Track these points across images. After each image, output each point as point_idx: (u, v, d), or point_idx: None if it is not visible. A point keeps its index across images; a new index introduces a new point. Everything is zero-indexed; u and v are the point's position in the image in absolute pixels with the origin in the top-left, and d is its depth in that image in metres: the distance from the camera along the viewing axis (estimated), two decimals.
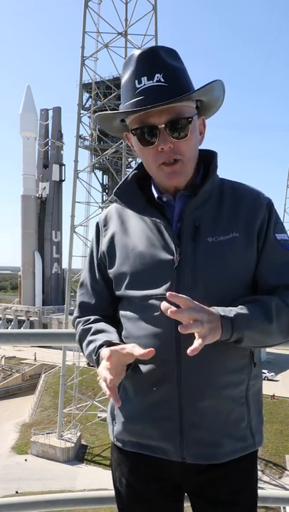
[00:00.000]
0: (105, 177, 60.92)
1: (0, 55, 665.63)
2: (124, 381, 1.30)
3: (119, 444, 1.36)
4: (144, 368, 1.26)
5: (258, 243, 1.27)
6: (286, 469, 25.28)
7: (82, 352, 1.38)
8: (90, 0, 28.83)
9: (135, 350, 1.13)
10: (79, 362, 30.16)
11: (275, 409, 30.61)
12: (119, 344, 1.22)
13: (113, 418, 1.38)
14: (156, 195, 1.32)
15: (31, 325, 52.08)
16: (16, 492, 21.59)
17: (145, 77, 1.17)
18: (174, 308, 1.06)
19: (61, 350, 30.14)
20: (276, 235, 1.29)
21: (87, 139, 48.25)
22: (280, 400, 31.59)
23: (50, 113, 63.28)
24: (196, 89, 1.21)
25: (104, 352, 1.16)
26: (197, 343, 1.06)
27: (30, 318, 52.73)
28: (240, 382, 1.27)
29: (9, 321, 55.44)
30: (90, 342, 1.31)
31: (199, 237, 1.25)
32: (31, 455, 27.55)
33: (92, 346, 1.29)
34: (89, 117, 48.19)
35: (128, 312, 1.31)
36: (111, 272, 1.35)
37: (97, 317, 1.39)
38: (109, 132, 1.37)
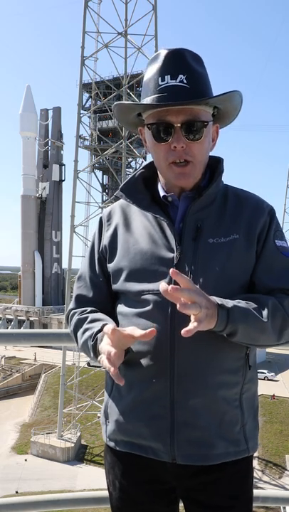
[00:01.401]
0: (105, 177, 60.89)
1: (0, 55, 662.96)
2: (121, 375, 1.31)
3: (111, 444, 1.35)
4: (137, 364, 1.26)
5: (257, 247, 1.29)
6: (286, 469, 25.27)
7: (77, 342, 1.38)
8: (90, 0, 28.81)
9: (136, 331, 1.13)
10: (79, 362, 30.13)
11: (275, 409, 30.61)
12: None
13: (106, 418, 1.38)
14: (162, 193, 1.34)
15: (31, 325, 52.07)
16: (16, 492, 21.59)
17: (169, 76, 1.20)
18: (175, 286, 1.06)
19: (61, 350, 30.13)
20: (276, 241, 1.31)
21: (87, 139, 48.27)
22: (280, 400, 31.59)
23: (50, 113, 63.25)
24: (215, 95, 1.23)
25: (107, 328, 1.14)
26: (192, 325, 1.07)
27: (30, 318, 52.72)
28: (235, 384, 1.27)
29: (9, 321, 55.43)
30: (87, 329, 1.31)
31: (200, 237, 1.26)
32: (31, 455, 27.54)
33: (88, 333, 1.29)
34: (89, 117, 48.25)
35: (124, 308, 1.32)
36: (110, 265, 1.36)
37: (93, 308, 1.39)
38: (123, 124, 1.38)
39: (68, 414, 29.85)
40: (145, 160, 34.63)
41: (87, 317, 1.35)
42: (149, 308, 1.24)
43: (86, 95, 51.34)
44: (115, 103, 1.31)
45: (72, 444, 27.47)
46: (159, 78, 1.21)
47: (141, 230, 1.33)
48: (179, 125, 1.21)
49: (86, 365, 33.77)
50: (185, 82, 1.19)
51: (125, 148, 29.73)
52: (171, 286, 1.05)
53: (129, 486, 1.34)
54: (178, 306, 1.06)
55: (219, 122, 1.35)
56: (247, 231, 1.28)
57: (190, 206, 1.29)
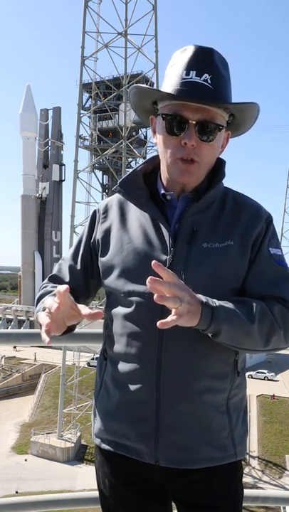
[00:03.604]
0: (105, 177, 60.88)
1: (0, 55, 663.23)
2: (105, 376, 1.32)
3: (97, 441, 1.36)
4: (124, 364, 1.26)
5: (251, 254, 1.27)
6: (286, 469, 25.26)
7: (36, 307, 1.36)
8: (90, 0, 28.81)
9: (84, 309, 1.10)
10: (79, 362, 30.14)
11: (275, 409, 30.59)
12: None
13: (94, 415, 1.39)
14: (161, 191, 1.32)
15: (31, 325, 52.03)
16: (16, 492, 21.57)
17: (194, 72, 1.18)
18: (154, 278, 1.04)
19: (61, 350, 30.12)
20: (270, 248, 1.29)
21: (87, 139, 48.27)
22: (280, 400, 31.55)
23: (50, 113, 63.26)
24: (237, 102, 1.23)
25: (61, 286, 1.09)
26: (170, 318, 1.05)
27: (30, 318, 52.63)
28: (222, 390, 1.26)
29: (9, 321, 55.41)
30: (49, 292, 1.33)
31: (195, 241, 1.25)
32: (31, 455, 27.52)
33: (48, 292, 1.32)
34: (89, 117, 48.24)
35: (114, 309, 1.31)
36: (102, 260, 1.34)
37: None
38: (135, 108, 1.37)
39: (68, 414, 29.84)
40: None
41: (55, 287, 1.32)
42: (138, 310, 1.23)
43: (86, 95, 51.34)
44: (134, 85, 1.29)
45: (72, 444, 27.47)
46: (184, 72, 1.19)
47: (136, 228, 1.31)
48: (194, 122, 1.20)
49: (86, 365, 33.77)
50: (209, 82, 1.18)
51: (125, 148, 29.74)
52: (150, 277, 1.03)
53: (118, 484, 1.34)
54: (155, 296, 1.02)
55: (231, 131, 1.34)
56: (242, 238, 1.26)
57: (188, 208, 1.27)
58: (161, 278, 1.06)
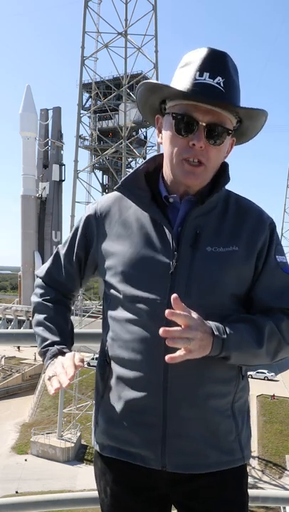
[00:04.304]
0: (105, 177, 60.83)
1: (0, 55, 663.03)
2: (108, 381, 1.31)
3: (97, 448, 1.34)
4: (130, 371, 1.24)
5: (258, 262, 1.27)
6: (286, 469, 25.25)
7: (32, 320, 1.47)
8: (90, 0, 28.81)
9: (76, 358, 1.23)
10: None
11: (275, 409, 30.59)
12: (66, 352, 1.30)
13: (96, 421, 1.37)
14: (163, 193, 1.31)
15: (31, 325, 51.57)
16: (16, 492, 21.55)
17: (208, 74, 1.18)
18: (167, 329, 1.09)
19: None
20: (276, 256, 1.29)
21: (87, 139, 48.22)
22: (280, 400, 31.55)
23: (50, 113, 63.18)
24: (248, 106, 1.22)
25: (78, 356, 1.22)
26: (178, 353, 1.09)
27: (30, 318, 52.30)
28: (227, 394, 1.26)
29: (9, 321, 55.36)
30: (48, 328, 1.39)
31: (198, 244, 1.24)
32: (31, 455, 27.49)
33: (48, 335, 1.37)
34: (89, 117, 48.17)
35: (117, 313, 1.29)
36: (103, 262, 1.33)
37: (58, 298, 1.46)
38: (142, 106, 1.34)
39: (68, 414, 29.83)
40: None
41: (50, 310, 1.43)
42: (143, 315, 1.22)
43: (86, 95, 51.29)
44: (144, 81, 1.27)
45: (72, 444, 27.44)
46: (197, 73, 1.18)
47: (137, 229, 1.29)
48: (204, 124, 1.19)
49: (86, 365, 33.68)
50: (222, 85, 1.17)
51: (125, 149, 29.73)
52: (163, 329, 1.08)
53: (121, 492, 1.32)
54: (166, 341, 1.08)
55: (235, 138, 1.33)
56: (247, 244, 1.26)
57: (191, 211, 1.26)
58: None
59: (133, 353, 1.23)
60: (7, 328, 51.11)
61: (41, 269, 1.50)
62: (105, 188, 59.84)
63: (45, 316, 1.41)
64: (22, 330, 2.03)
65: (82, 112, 30.93)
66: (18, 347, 43.53)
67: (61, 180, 62.65)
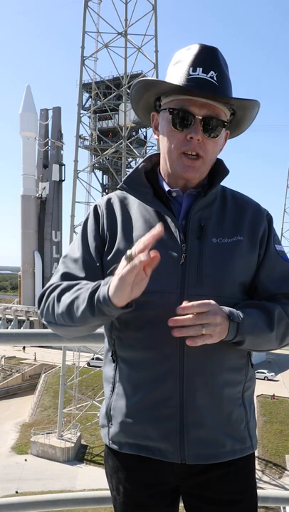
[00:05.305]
0: (105, 177, 60.92)
1: (0, 55, 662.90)
2: (118, 379, 1.30)
3: (115, 447, 1.32)
4: (144, 364, 1.24)
5: (260, 251, 1.32)
6: (286, 469, 25.26)
7: (61, 312, 1.22)
8: (90, 0, 28.81)
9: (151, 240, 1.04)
10: (79, 362, 30.15)
11: (275, 409, 30.60)
12: None
13: (109, 420, 1.34)
14: (166, 188, 1.33)
15: (31, 325, 52.03)
16: (16, 492, 21.57)
17: (201, 69, 1.21)
18: (175, 318, 1.11)
19: (61, 350, 30.12)
20: (275, 245, 1.35)
21: (87, 139, 48.27)
22: (280, 400, 31.57)
23: (50, 113, 63.21)
24: (242, 97, 1.25)
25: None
26: (200, 338, 1.12)
27: (30, 318, 52.66)
28: (239, 383, 1.30)
29: (9, 321, 55.40)
30: (79, 289, 1.19)
31: (204, 236, 1.27)
32: (31, 455, 27.52)
33: (85, 287, 1.18)
34: (89, 117, 48.25)
35: None
36: (109, 258, 1.29)
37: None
38: (136, 103, 1.35)
39: (68, 414, 29.85)
40: None
41: (77, 283, 1.23)
42: (156, 308, 1.22)
43: (86, 95, 51.38)
44: (140, 78, 1.29)
45: (72, 444, 27.46)
46: (191, 68, 1.21)
47: (142, 224, 1.29)
48: (200, 118, 1.22)
49: (86, 365, 33.77)
50: (215, 79, 1.21)
51: (125, 148, 29.74)
52: (180, 306, 1.12)
53: (134, 490, 1.32)
54: (187, 341, 1.12)
55: (229, 131, 1.36)
56: (250, 234, 1.31)
57: (195, 204, 1.28)
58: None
59: (147, 348, 1.23)
60: (7, 328, 51.15)
61: (50, 281, 1.35)
62: (105, 188, 59.88)
63: (69, 286, 1.25)
64: (22, 330, 2.03)
65: (82, 111, 30.91)
66: (24, 347, 43.57)
67: (61, 180, 62.70)
